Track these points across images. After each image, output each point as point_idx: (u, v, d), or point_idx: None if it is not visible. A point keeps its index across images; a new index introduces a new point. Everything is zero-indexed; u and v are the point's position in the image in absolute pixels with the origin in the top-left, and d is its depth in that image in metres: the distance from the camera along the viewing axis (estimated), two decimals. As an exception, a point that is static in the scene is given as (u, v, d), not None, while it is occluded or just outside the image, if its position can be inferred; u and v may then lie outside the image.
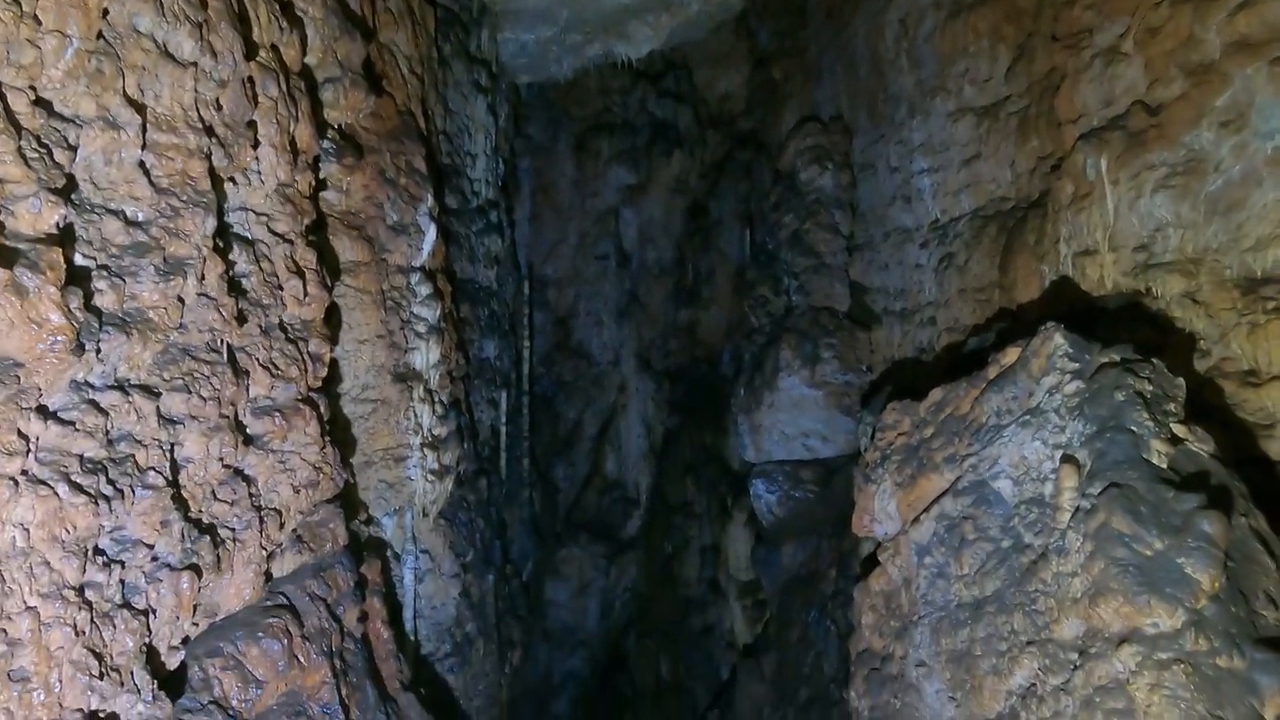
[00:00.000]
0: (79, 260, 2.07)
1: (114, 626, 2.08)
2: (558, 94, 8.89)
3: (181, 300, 2.35)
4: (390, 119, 4.38)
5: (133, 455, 2.17)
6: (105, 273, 2.12)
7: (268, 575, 2.88)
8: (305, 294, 3.09)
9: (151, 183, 2.25)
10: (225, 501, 2.60)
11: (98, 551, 2.06)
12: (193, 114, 2.39)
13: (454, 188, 5.79)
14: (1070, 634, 2.21)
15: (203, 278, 2.46)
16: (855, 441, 5.66)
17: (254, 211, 2.90)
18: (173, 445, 2.34)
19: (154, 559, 2.25)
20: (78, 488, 1.97)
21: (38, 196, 1.86)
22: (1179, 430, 2.37)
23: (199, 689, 2.50)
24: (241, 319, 2.70)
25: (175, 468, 2.36)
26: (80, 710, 1.97)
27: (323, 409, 3.15)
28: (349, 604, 3.22)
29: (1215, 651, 1.94)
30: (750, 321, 6.85)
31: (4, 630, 1.82)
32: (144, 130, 2.21)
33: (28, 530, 1.86)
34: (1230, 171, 3.09)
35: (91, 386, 2.08)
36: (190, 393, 2.39)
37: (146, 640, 2.21)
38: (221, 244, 2.62)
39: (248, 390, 2.75)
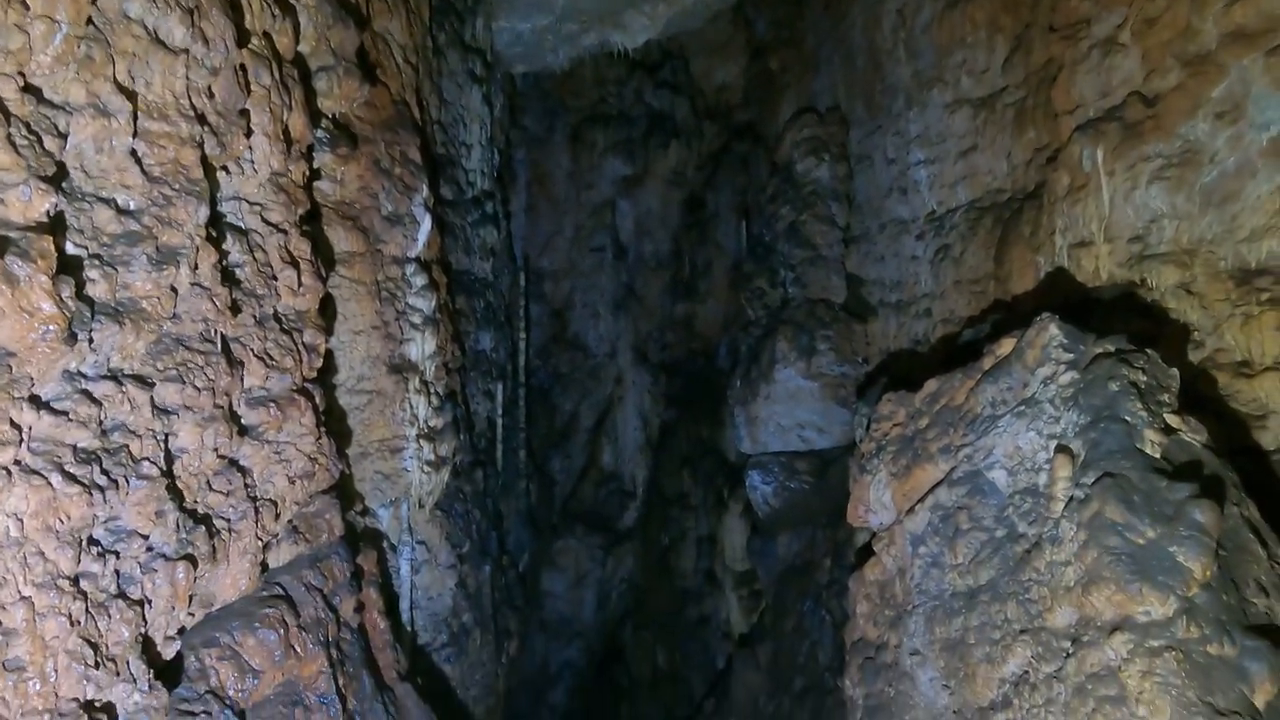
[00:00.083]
0: (70, 249, 2.05)
1: (109, 616, 2.07)
2: (553, 84, 8.84)
3: (174, 290, 2.34)
4: (385, 108, 4.35)
5: (126, 445, 2.16)
6: (97, 262, 2.11)
7: (264, 566, 2.88)
8: (300, 284, 3.07)
9: (143, 171, 2.24)
10: (220, 492, 2.60)
11: (92, 541, 2.06)
12: (184, 102, 2.37)
13: (449, 178, 5.77)
14: (1063, 622, 2.22)
15: (196, 267, 2.44)
16: (851, 433, 5.67)
17: (247, 201, 2.89)
18: (167, 435, 2.33)
19: (149, 549, 2.24)
20: (71, 478, 1.96)
21: (28, 184, 1.85)
22: (1172, 420, 2.38)
23: (195, 679, 2.50)
24: (235, 309, 2.69)
25: (170, 458, 2.35)
26: (76, 700, 1.97)
27: (318, 400, 3.14)
28: (345, 594, 3.22)
29: (1206, 639, 1.96)
30: (747, 314, 6.85)
31: (-2, 620, 1.82)
32: (135, 118, 2.19)
33: (21, 520, 1.85)
34: (1225, 163, 3.10)
35: (84, 376, 2.07)
36: (184, 383, 2.38)
37: (142, 630, 2.21)
38: (214, 233, 2.61)
39: (242, 381, 2.74)
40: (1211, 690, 1.90)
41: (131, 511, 2.17)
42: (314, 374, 3.18)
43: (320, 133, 3.70)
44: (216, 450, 2.55)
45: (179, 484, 2.38)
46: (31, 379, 1.89)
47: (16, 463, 1.86)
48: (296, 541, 3.08)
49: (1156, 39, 3.34)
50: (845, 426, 5.87)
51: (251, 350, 2.81)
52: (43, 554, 1.90)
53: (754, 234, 7.29)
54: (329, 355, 3.65)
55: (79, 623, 1.97)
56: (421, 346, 4.47)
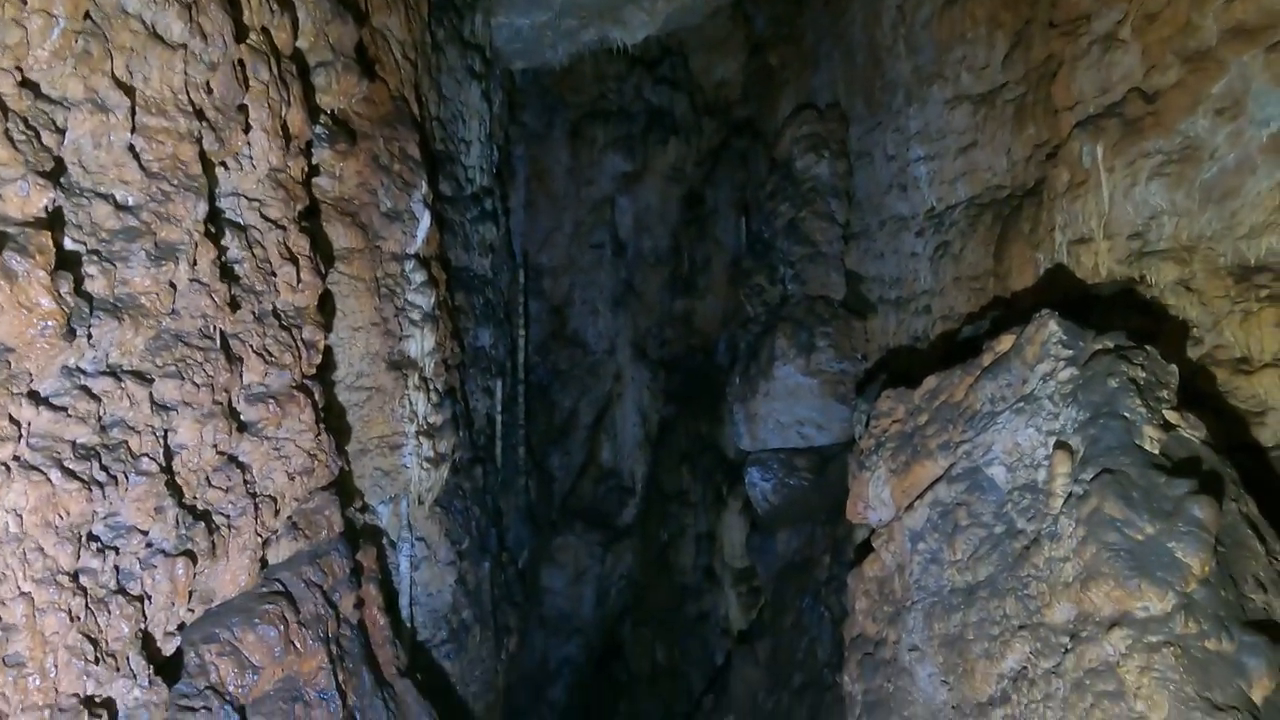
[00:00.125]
0: (69, 245, 2.05)
1: (109, 612, 2.07)
2: (552, 80, 8.82)
3: (173, 286, 2.33)
4: (383, 104, 4.34)
5: (126, 441, 2.16)
6: (95, 257, 2.10)
7: (263, 562, 2.88)
8: (298, 280, 3.07)
9: (141, 166, 2.23)
10: (220, 488, 2.59)
11: (92, 537, 2.06)
12: (182, 97, 2.37)
13: (448, 175, 5.76)
14: (1062, 618, 2.23)
15: (194, 263, 2.44)
16: (850, 429, 5.68)
17: (246, 197, 2.88)
18: (166, 431, 2.33)
19: (148, 545, 2.24)
20: (70, 473, 1.96)
21: (26, 179, 1.84)
22: (1171, 417, 2.38)
23: (195, 674, 2.50)
24: (234, 305, 2.68)
25: (169, 454, 2.35)
26: (76, 695, 1.97)
27: (317, 396, 3.14)
28: (345, 590, 3.22)
29: (1205, 634, 1.96)
30: (746, 310, 6.85)
31: (-2, 616, 1.82)
32: (133, 113, 2.18)
33: (20, 516, 1.85)
34: (1225, 159, 3.10)
35: (83, 372, 2.07)
36: (183, 379, 2.38)
37: (142, 626, 2.21)
38: (213, 229, 2.60)
39: (241, 377, 2.73)
40: (1209, 685, 1.91)
41: (131, 507, 2.16)
42: (313, 370, 3.17)
43: (319, 128, 3.69)
44: (216, 446, 2.54)
45: (178, 480, 2.38)
46: (30, 375, 1.88)
47: (15, 458, 1.86)
48: (296, 538, 3.08)
49: (1157, 35, 3.34)
50: (844, 423, 5.87)
51: (250, 346, 2.80)
52: (42, 550, 1.90)
53: (753, 230, 7.28)
54: (328, 352, 3.65)
55: (79, 618, 1.97)
56: (421, 343, 4.46)
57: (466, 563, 5.33)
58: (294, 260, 3.06)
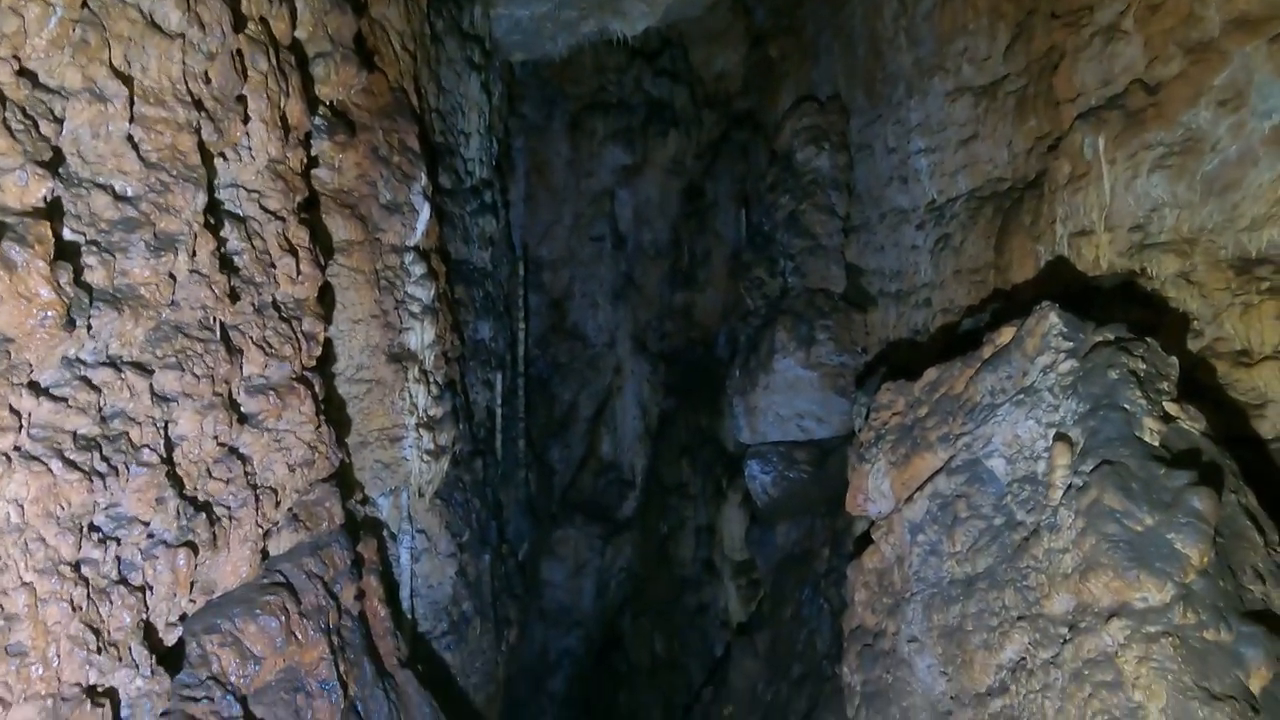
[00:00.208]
0: (68, 235, 2.04)
1: (111, 602, 2.08)
2: (552, 72, 8.78)
3: (173, 277, 2.33)
4: (382, 96, 4.32)
5: (126, 432, 2.16)
6: (95, 248, 2.10)
7: (264, 553, 2.89)
8: (298, 272, 3.06)
9: (140, 157, 2.22)
10: (220, 479, 2.60)
11: (93, 528, 2.06)
12: (181, 87, 2.36)
13: (447, 167, 5.74)
14: (1060, 609, 2.24)
15: (194, 254, 2.43)
16: (850, 422, 5.68)
17: (245, 188, 2.87)
18: (167, 423, 2.33)
19: (150, 536, 2.25)
20: (71, 464, 1.96)
21: (24, 169, 1.83)
22: (1171, 409, 2.38)
23: (197, 665, 2.51)
24: (234, 297, 2.68)
25: (170, 445, 2.35)
26: (79, 684, 1.98)
27: (317, 388, 3.14)
28: (346, 582, 3.23)
29: (1203, 625, 1.97)
30: (746, 303, 6.84)
31: (0, 605, 1.82)
32: (131, 103, 2.17)
33: (22, 506, 1.86)
34: (1227, 151, 3.09)
35: (83, 363, 2.07)
36: (183, 370, 2.37)
37: (144, 616, 2.22)
38: (213, 221, 2.59)
39: (241, 368, 2.73)
40: (1207, 675, 1.92)
41: (132, 498, 2.17)
42: (313, 362, 3.17)
43: (318, 120, 3.67)
44: (216, 438, 2.55)
45: (179, 471, 2.38)
46: (30, 365, 1.88)
47: (16, 449, 1.86)
48: (297, 529, 3.08)
49: (1159, 26, 3.33)
50: (844, 416, 5.88)
51: (250, 338, 2.80)
52: (44, 540, 1.90)
53: (753, 223, 7.27)
54: (328, 344, 3.65)
55: (81, 608, 1.98)
56: (420, 335, 4.46)
57: (467, 555, 5.34)
58: (293, 252, 3.05)
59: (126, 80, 2.17)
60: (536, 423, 8.67)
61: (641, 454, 8.64)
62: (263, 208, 2.94)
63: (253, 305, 2.82)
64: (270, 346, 2.89)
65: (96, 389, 2.07)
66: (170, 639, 2.39)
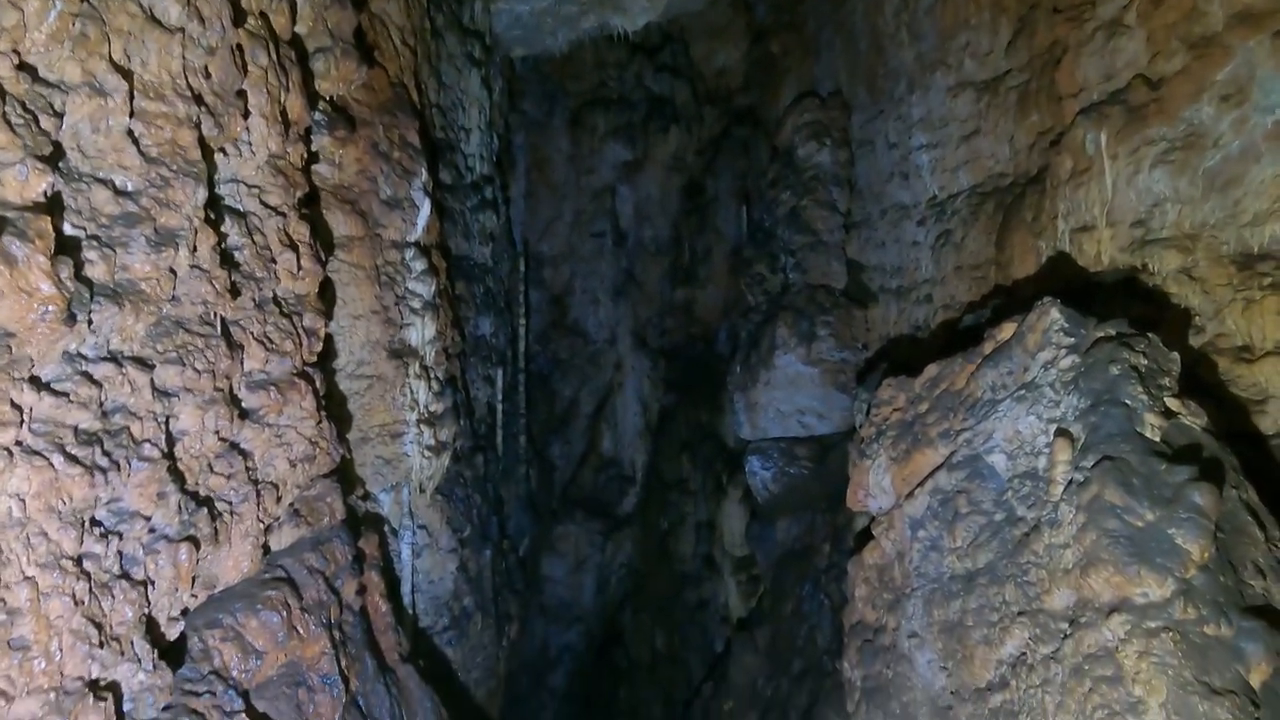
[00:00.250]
0: (68, 230, 2.04)
1: (113, 597, 2.09)
2: (553, 68, 8.76)
3: (173, 272, 2.33)
4: (383, 91, 4.31)
5: (127, 427, 2.16)
6: (95, 243, 2.10)
7: (266, 548, 2.89)
8: (299, 268, 3.06)
9: (140, 151, 2.22)
10: (222, 475, 2.60)
11: (95, 522, 2.07)
12: (181, 81, 2.35)
13: (448, 163, 5.73)
14: (1061, 604, 2.24)
15: (194, 249, 2.43)
16: (851, 419, 5.68)
17: (245, 183, 2.87)
18: (168, 418, 2.33)
19: (151, 530, 2.25)
20: (73, 459, 1.97)
21: (24, 163, 1.83)
22: (1173, 404, 2.38)
23: (199, 659, 2.52)
24: (235, 292, 2.68)
25: (171, 440, 2.35)
26: (81, 678, 1.99)
27: (318, 384, 3.14)
28: (347, 577, 3.24)
29: (1203, 620, 1.97)
30: (747, 299, 6.84)
31: (3, 600, 1.83)
32: (131, 97, 2.17)
33: (24, 501, 1.86)
34: (1229, 146, 3.08)
35: (84, 358, 2.07)
36: (184, 365, 2.37)
37: (146, 611, 2.22)
38: (213, 216, 2.59)
39: (242, 364, 2.73)
40: (1208, 670, 1.92)
41: (133, 493, 2.17)
42: (314, 358, 3.17)
43: (318, 115, 3.67)
44: (217, 433, 2.55)
45: (180, 466, 2.39)
46: (31, 360, 1.88)
47: (18, 443, 1.86)
48: (298, 524, 3.09)
49: (1162, 20, 3.31)
50: (845, 412, 5.88)
51: (251, 333, 2.80)
52: (45, 534, 1.90)
53: (754, 219, 7.26)
54: (329, 340, 3.65)
55: (83, 603, 1.98)
56: (421, 331, 4.46)
57: (468, 550, 5.35)
58: (294, 247, 3.05)
59: (126, 75, 2.16)
60: (537, 419, 8.67)
61: (642, 450, 8.65)
62: (263, 203, 2.93)
63: (253, 301, 2.82)
64: (271, 342, 2.89)
65: (97, 384, 2.07)
66: (172, 634, 2.40)
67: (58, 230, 1.93)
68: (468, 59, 6.05)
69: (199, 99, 2.44)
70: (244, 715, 2.51)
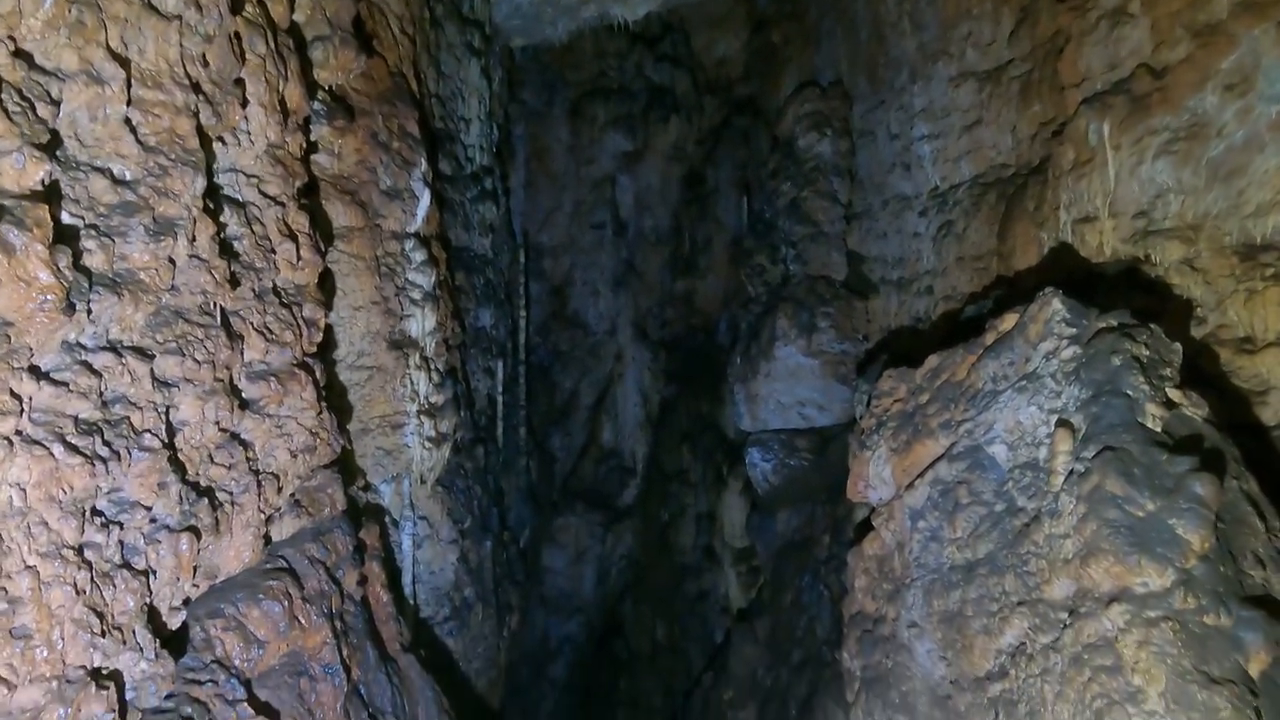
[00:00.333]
0: (66, 219, 2.03)
1: (114, 586, 2.09)
2: (552, 57, 8.71)
3: (172, 261, 2.32)
4: (382, 81, 4.29)
5: (128, 417, 2.16)
6: (94, 232, 2.09)
7: (267, 539, 2.89)
8: (298, 258, 3.05)
9: (138, 140, 2.20)
10: (222, 465, 2.60)
11: (95, 512, 2.07)
12: (178, 70, 2.33)
13: (447, 153, 5.70)
14: (1061, 594, 2.24)
15: (193, 239, 2.42)
16: (851, 410, 5.68)
17: (244, 173, 2.85)
18: (168, 408, 2.33)
19: (152, 520, 2.25)
20: (73, 448, 1.96)
21: (21, 151, 1.82)
22: (1174, 395, 2.38)
23: (201, 649, 2.52)
24: (234, 282, 2.67)
25: (171, 430, 2.35)
26: (83, 667, 1.99)
27: (318, 375, 3.14)
28: (348, 567, 3.25)
29: (1203, 610, 1.97)
30: (747, 290, 6.83)
31: (4, 589, 1.83)
32: (129, 85, 2.15)
33: (24, 490, 1.86)
34: (1233, 136, 3.07)
35: (83, 348, 2.07)
36: (184, 355, 2.37)
37: (147, 600, 2.23)
38: (212, 205, 2.58)
39: (242, 354, 2.73)
40: (1207, 659, 1.92)
41: (134, 483, 2.17)
42: (314, 349, 3.17)
43: (317, 104, 3.64)
44: (218, 423, 2.55)
45: (181, 456, 2.38)
46: (30, 349, 1.88)
47: (18, 433, 1.86)
48: (299, 515, 3.09)
49: (1166, 9, 3.29)
50: (845, 404, 5.88)
51: (251, 324, 2.79)
52: (46, 524, 1.90)
53: (755, 210, 7.24)
54: (329, 330, 3.64)
55: (84, 592, 1.98)
56: (421, 323, 4.45)
57: (468, 541, 5.36)
58: (293, 238, 3.04)
59: (124, 62, 2.15)
60: (537, 410, 8.68)
61: (642, 441, 8.66)
62: (262, 193, 2.92)
63: (253, 291, 2.81)
64: (271, 332, 2.88)
65: (97, 373, 2.07)
66: (174, 623, 2.40)
67: (56, 219, 1.92)
68: (467, 48, 6.01)
69: (197, 87, 2.43)
70: (246, 704, 2.52)
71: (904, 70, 5.42)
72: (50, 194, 1.93)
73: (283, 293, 3.00)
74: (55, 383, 1.96)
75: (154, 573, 2.25)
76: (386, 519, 4.40)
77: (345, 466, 3.55)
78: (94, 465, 2.01)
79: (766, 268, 6.55)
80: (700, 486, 7.54)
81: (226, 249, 2.67)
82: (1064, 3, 3.91)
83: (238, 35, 2.64)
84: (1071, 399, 2.46)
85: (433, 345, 4.56)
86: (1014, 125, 4.42)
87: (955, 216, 4.89)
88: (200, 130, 2.46)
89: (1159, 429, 2.29)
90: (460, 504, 5.34)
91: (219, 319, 2.56)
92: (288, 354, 2.95)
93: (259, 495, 2.76)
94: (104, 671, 2.06)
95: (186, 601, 2.46)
